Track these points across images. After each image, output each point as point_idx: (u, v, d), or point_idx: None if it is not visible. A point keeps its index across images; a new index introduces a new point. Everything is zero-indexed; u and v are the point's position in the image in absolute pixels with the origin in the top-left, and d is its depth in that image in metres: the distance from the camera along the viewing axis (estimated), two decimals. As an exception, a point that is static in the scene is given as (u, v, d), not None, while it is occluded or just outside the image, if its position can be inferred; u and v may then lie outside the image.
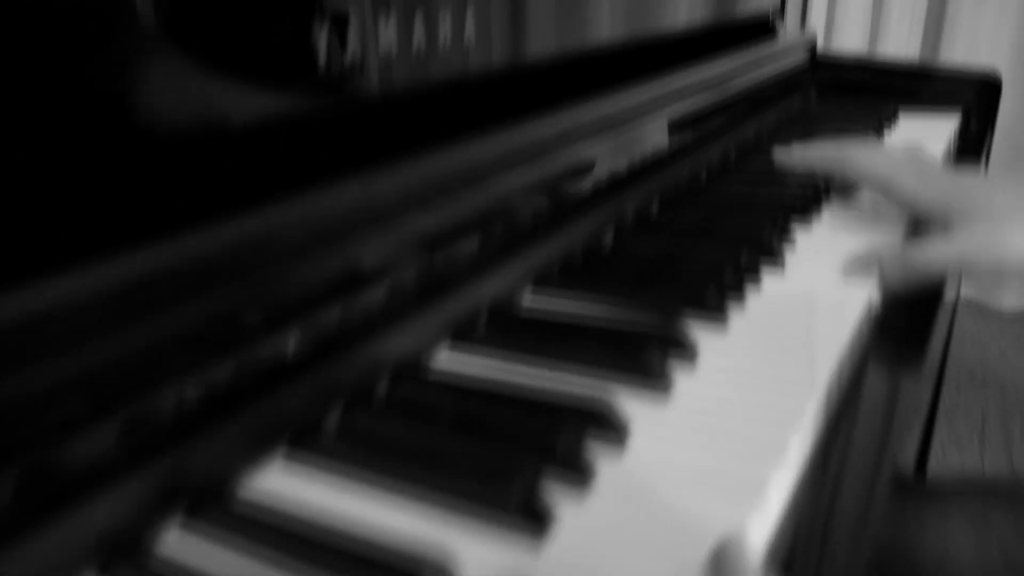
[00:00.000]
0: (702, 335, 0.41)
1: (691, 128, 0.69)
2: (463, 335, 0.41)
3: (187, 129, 0.31)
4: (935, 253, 0.51)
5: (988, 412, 1.59)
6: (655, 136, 0.63)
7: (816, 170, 0.63)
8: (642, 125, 0.61)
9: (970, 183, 0.55)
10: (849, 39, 1.96)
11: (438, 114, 0.45)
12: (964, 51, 1.86)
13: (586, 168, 0.53)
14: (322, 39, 0.36)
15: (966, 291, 2.06)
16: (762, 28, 0.98)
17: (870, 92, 1.02)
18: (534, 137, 0.47)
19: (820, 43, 1.08)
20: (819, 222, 0.61)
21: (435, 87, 0.44)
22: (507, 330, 0.42)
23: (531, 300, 0.47)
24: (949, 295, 0.68)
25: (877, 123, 0.88)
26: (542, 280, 0.48)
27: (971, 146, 0.90)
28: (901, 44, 1.92)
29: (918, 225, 0.59)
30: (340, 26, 0.37)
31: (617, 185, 0.57)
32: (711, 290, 0.45)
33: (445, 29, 0.44)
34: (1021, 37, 1.87)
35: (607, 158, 0.56)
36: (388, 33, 0.40)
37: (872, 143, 0.64)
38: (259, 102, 0.34)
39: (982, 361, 1.79)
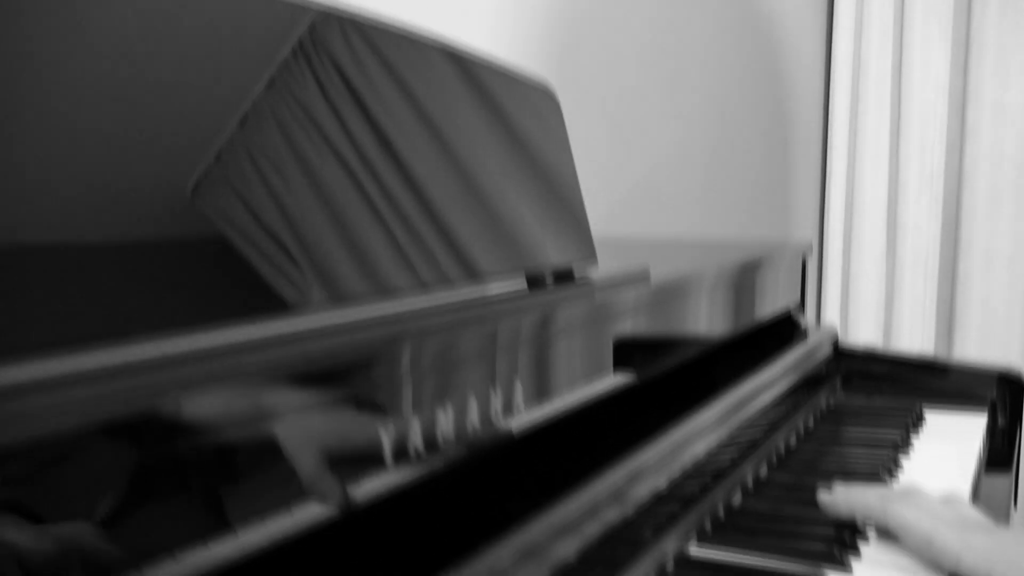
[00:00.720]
0: None
1: (735, 445, 0.71)
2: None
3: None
4: None
5: None
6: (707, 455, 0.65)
7: (857, 516, 0.63)
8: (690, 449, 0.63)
9: (1014, 546, 0.55)
10: (864, 333, 2.03)
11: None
12: (976, 348, 1.92)
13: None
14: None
15: None
16: (788, 326, 1.03)
17: (891, 383, 1.05)
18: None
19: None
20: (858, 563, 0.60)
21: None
22: None
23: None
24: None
25: (905, 425, 0.90)
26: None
27: (1002, 446, 0.91)
28: (916, 339, 1.99)
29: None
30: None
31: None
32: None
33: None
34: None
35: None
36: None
37: (914, 492, 0.63)
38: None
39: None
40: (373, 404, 0.38)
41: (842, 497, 0.63)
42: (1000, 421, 0.96)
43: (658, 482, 0.59)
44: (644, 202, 1.49)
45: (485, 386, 0.47)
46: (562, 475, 0.52)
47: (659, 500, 0.59)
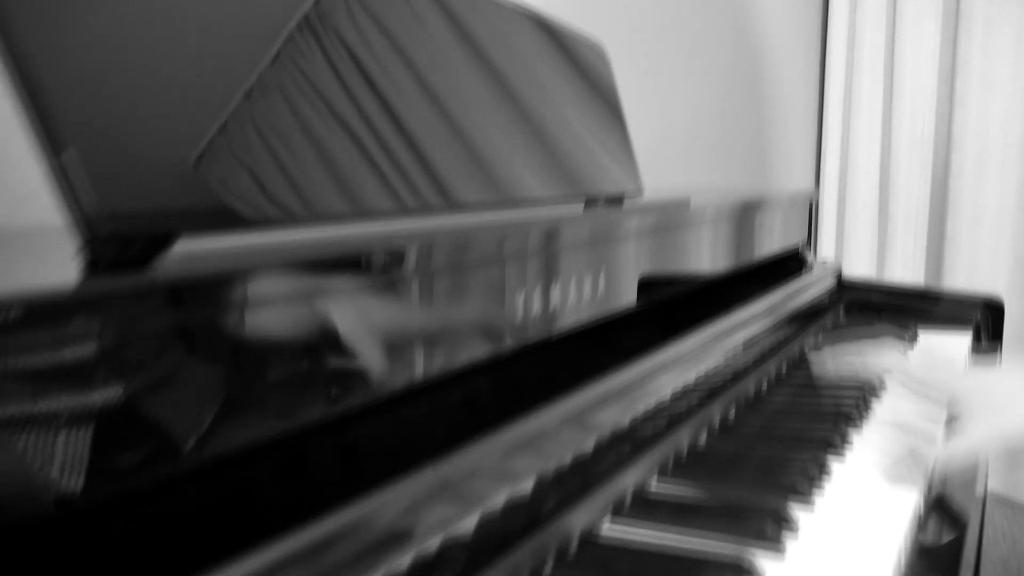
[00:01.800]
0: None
1: (752, 349, 0.84)
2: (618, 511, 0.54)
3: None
4: (952, 451, 0.61)
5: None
6: (726, 359, 0.78)
7: (844, 375, 0.77)
8: (715, 350, 0.76)
9: (971, 379, 0.66)
10: (858, 267, 2.17)
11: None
12: (965, 276, 2.06)
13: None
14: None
15: (993, 485, 2.12)
16: (797, 260, 1.17)
17: (889, 312, 1.18)
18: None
19: (841, 273, 1.26)
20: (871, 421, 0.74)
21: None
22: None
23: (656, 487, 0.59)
24: (978, 490, 0.80)
25: (901, 339, 1.03)
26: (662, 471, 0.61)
27: (985, 359, 1.05)
28: (907, 271, 2.14)
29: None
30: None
31: (710, 395, 0.72)
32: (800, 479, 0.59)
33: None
34: (1018, 262, 2.07)
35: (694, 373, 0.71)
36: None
37: (887, 346, 0.78)
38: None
39: (1015, 553, 1.84)
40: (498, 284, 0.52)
41: (830, 363, 0.78)
42: (983, 340, 1.09)
43: (717, 359, 0.73)
44: (659, 159, 1.62)
45: (570, 278, 0.60)
46: (622, 350, 0.66)
47: (711, 375, 0.73)
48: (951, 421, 0.66)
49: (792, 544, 0.52)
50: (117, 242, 0.34)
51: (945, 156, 2.17)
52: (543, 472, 0.49)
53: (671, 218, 0.75)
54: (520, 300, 0.53)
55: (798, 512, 0.56)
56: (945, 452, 0.62)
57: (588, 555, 0.50)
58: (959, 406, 0.64)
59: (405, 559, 0.38)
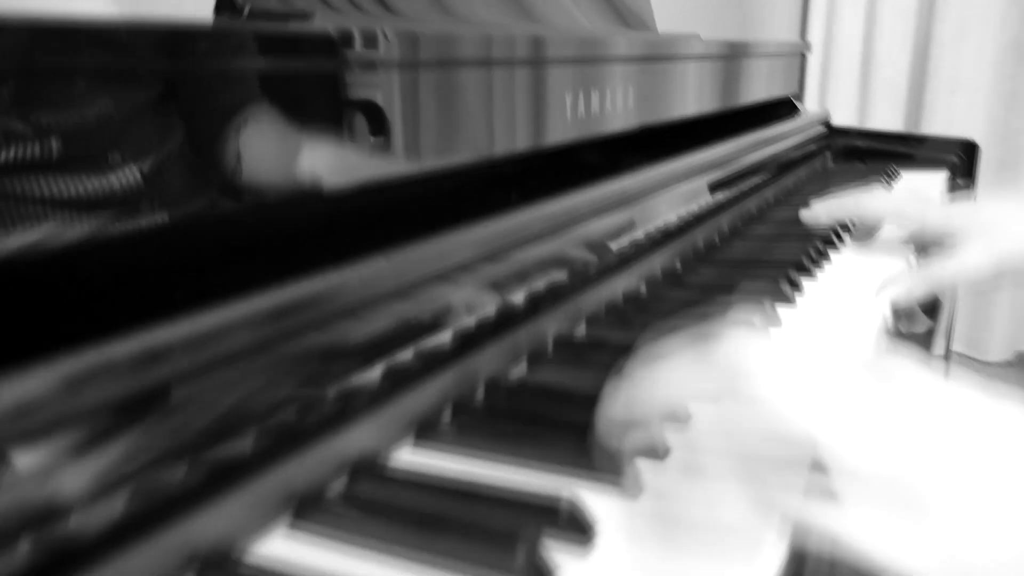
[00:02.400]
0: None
1: (744, 181, 0.92)
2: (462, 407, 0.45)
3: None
4: (954, 266, 0.65)
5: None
6: (722, 185, 0.86)
7: (837, 219, 0.80)
8: (708, 176, 0.84)
9: (963, 208, 0.71)
10: (840, 117, 2.25)
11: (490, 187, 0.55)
12: (942, 127, 2.15)
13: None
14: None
15: (956, 346, 2.27)
16: (789, 106, 1.24)
17: (874, 155, 1.27)
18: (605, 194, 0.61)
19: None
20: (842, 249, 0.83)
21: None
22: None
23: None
24: (938, 349, 0.86)
25: (884, 178, 1.12)
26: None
27: (960, 195, 1.14)
28: (887, 122, 2.22)
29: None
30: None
31: (696, 220, 0.79)
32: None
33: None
34: (992, 113, 2.16)
35: (675, 205, 0.78)
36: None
37: (876, 189, 0.84)
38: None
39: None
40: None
41: (821, 208, 0.81)
42: (959, 177, 1.19)
43: (724, 172, 0.81)
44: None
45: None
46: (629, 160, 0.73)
47: (719, 185, 0.81)
48: (942, 247, 0.68)
49: (799, 299, 0.61)
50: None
51: (927, 25, 2.22)
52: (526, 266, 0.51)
53: (668, 50, 0.81)
54: (509, 110, 0.54)
55: (803, 279, 0.65)
56: (937, 272, 0.65)
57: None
58: (951, 232, 0.67)
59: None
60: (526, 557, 0.30)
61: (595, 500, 0.34)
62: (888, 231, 0.79)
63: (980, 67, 2.17)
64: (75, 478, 0.26)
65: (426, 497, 0.35)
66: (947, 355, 1.90)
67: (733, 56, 0.96)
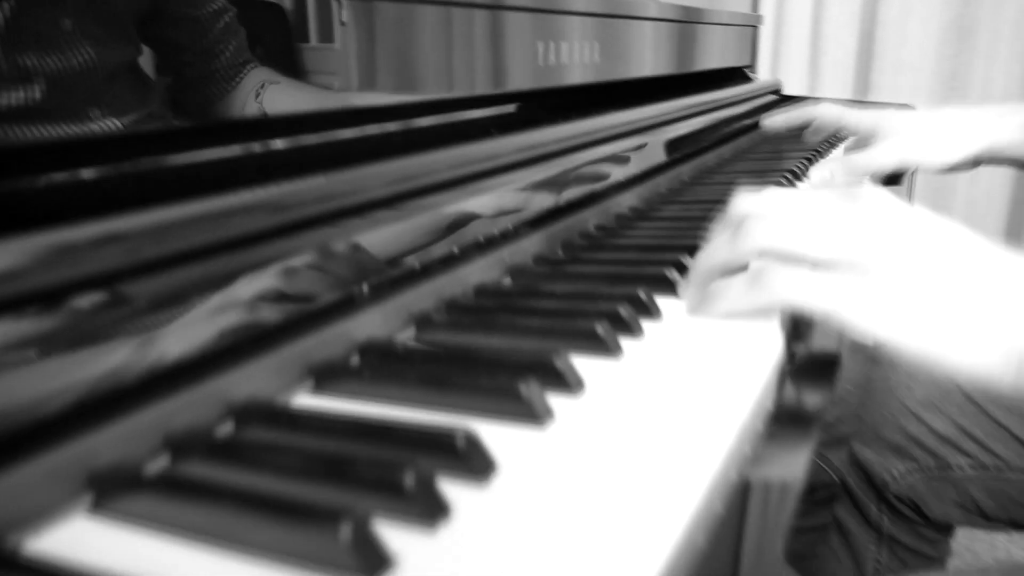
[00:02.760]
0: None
1: (696, 141, 0.97)
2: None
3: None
4: (866, 158, 0.82)
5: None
6: (669, 147, 0.91)
7: (791, 126, 0.94)
8: (660, 135, 0.88)
9: (888, 113, 0.87)
10: (792, 89, 2.32)
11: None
12: (888, 96, 2.24)
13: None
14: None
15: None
16: (741, 74, 1.29)
17: (824, 122, 1.33)
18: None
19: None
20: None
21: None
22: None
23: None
24: None
25: (833, 138, 1.18)
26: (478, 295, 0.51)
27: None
28: (837, 82, 2.31)
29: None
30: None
31: (649, 173, 0.84)
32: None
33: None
34: (934, 91, 2.25)
35: (630, 151, 0.83)
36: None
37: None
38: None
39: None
40: None
41: (780, 118, 0.94)
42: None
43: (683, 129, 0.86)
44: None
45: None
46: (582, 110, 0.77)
47: (680, 142, 0.86)
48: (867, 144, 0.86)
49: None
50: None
51: (873, 6, 2.30)
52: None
53: (626, 10, 0.85)
54: (467, 53, 0.57)
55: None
56: (854, 161, 0.82)
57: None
58: (873, 133, 0.86)
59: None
60: (416, 485, 0.27)
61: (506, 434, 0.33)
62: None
63: (923, 48, 2.26)
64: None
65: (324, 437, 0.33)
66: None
67: (688, 21, 1.01)
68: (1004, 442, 0.75)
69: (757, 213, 0.43)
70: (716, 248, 0.45)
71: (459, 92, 0.57)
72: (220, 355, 0.33)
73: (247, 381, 0.34)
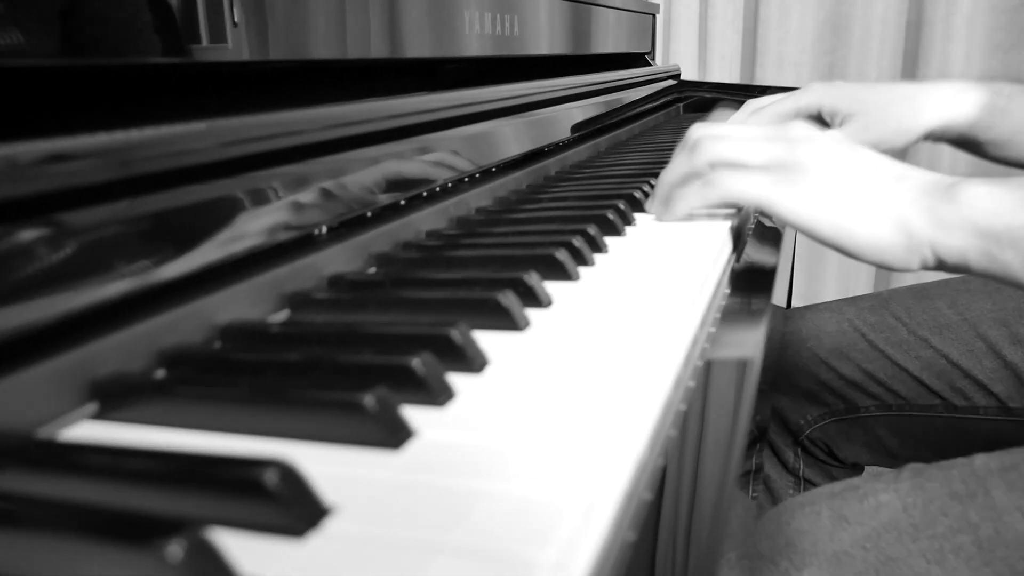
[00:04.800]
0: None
1: (591, 125, 0.99)
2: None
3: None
4: None
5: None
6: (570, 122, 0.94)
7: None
8: (564, 111, 0.91)
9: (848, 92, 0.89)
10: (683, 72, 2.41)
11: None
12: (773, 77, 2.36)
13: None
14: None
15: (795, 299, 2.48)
16: (641, 58, 1.34)
17: (719, 103, 1.39)
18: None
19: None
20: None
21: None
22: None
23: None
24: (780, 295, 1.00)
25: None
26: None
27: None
28: (725, 75, 2.41)
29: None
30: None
31: (547, 153, 0.86)
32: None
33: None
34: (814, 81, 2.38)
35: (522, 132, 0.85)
36: None
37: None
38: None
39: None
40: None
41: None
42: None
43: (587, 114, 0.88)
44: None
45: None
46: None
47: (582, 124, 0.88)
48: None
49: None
50: None
51: (754, 5, 2.42)
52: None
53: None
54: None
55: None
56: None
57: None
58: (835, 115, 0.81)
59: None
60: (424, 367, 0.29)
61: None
62: None
63: (801, 44, 2.39)
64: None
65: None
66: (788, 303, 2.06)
67: (590, 3, 1.04)
68: (905, 383, 0.81)
69: (708, 135, 0.54)
70: (676, 165, 0.56)
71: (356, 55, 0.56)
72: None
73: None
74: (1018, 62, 2.17)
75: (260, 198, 0.38)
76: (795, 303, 1.63)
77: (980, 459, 0.55)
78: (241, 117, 0.39)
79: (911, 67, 2.28)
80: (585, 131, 0.87)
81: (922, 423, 0.80)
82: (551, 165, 0.74)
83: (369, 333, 0.33)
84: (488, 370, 0.32)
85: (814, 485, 0.87)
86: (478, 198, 0.59)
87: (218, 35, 0.41)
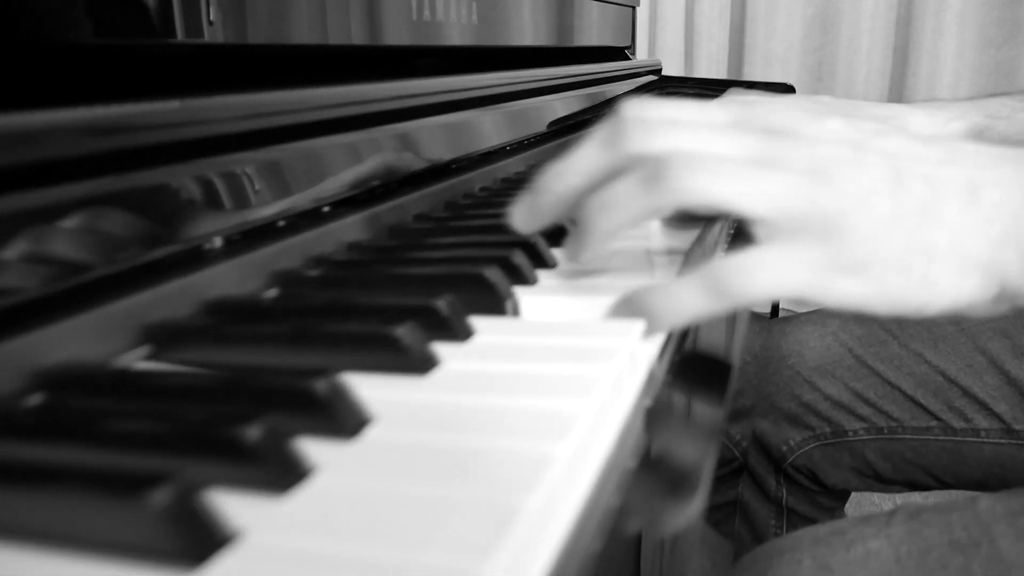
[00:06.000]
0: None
1: (567, 121, 0.93)
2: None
3: None
4: None
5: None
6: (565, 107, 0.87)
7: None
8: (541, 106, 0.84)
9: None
10: (669, 69, 2.36)
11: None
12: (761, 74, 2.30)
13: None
14: None
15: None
16: (621, 52, 1.27)
17: (700, 96, 1.33)
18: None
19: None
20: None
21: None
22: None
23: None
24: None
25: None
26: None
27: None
28: (712, 73, 2.35)
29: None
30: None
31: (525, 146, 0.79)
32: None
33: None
34: (802, 83, 2.32)
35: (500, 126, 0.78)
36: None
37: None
38: None
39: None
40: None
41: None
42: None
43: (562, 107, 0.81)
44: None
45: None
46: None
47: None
48: None
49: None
50: None
51: (742, 2, 2.36)
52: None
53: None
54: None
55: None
56: None
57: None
58: None
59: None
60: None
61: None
62: None
63: (789, 41, 2.32)
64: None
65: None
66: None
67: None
68: (897, 402, 0.74)
69: (654, 116, 0.36)
70: (583, 158, 0.36)
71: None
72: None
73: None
74: (1010, 58, 2.11)
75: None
76: (782, 310, 1.57)
77: (984, 501, 0.48)
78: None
79: (901, 64, 2.22)
80: (556, 128, 0.80)
81: (916, 447, 0.74)
82: (475, 179, 0.62)
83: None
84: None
85: (797, 514, 0.80)
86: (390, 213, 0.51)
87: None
